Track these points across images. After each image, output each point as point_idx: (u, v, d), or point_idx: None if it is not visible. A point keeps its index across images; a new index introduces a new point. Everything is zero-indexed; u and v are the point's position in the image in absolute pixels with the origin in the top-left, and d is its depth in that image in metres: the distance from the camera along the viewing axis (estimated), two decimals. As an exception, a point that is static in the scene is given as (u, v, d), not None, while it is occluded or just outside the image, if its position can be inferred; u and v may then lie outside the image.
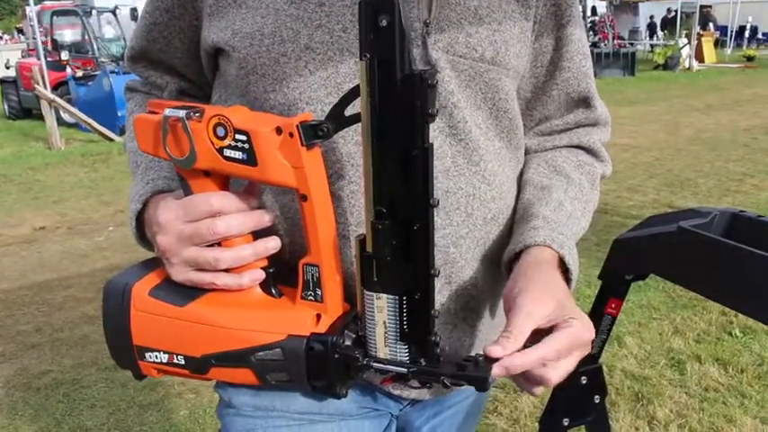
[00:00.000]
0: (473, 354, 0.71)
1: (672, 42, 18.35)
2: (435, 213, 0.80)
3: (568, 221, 0.86)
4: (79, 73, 11.05)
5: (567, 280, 0.80)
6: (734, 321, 3.25)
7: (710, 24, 21.18)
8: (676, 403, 2.64)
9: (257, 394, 0.87)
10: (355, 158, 0.78)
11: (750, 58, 18.59)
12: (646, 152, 7.37)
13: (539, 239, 0.80)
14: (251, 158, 0.69)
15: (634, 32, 22.16)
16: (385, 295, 0.68)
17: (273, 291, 0.78)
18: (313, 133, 0.68)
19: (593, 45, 16.30)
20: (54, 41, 11.92)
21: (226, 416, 0.91)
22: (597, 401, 1.01)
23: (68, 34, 12.32)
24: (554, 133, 0.97)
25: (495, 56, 0.81)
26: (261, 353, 0.74)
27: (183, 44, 0.90)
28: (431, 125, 0.63)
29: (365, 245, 0.68)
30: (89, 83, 10.47)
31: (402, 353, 0.70)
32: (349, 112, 0.68)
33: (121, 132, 8.80)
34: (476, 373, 0.67)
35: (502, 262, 0.84)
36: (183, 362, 0.78)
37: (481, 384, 0.67)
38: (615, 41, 17.86)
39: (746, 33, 23.38)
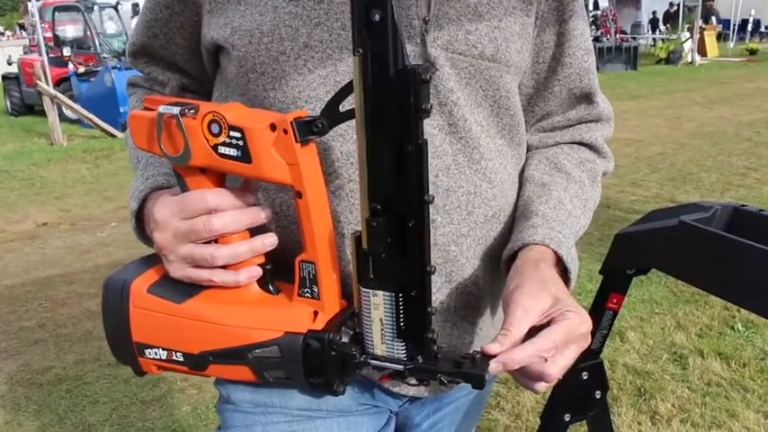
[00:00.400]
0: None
1: (674, 36, 18.27)
2: (436, 212, 0.79)
3: (568, 220, 0.85)
4: (81, 69, 11.03)
5: (566, 279, 0.80)
6: (736, 316, 3.24)
7: (713, 18, 21.07)
8: (679, 398, 2.64)
9: (256, 391, 0.87)
10: (354, 157, 0.78)
11: (753, 52, 18.52)
12: (648, 147, 7.35)
13: (537, 238, 0.80)
14: (245, 155, 0.69)
15: (636, 26, 22.04)
16: (381, 292, 0.68)
17: (271, 287, 0.78)
18: (308, 129, 0.67)
19: (596, 39, 16.23)
20: (56, 37, 11.91)
21: (225, 411, 0.91)
22: (599, 397, 1.01)
23: (70, 30, 12.29)
24: (556, 130, 0.96)
25: (495, 53, 0.81)
26: (258, 350, 0.74)
27: (184, 40, 0.89)
28: (431, 122, 0.62)
29: (361, 242, 0.68)
30: (91, 79, 10.47)
31: (399, 350, 0.70)
32: (345, 108, 0.67)
33: (123, 128, 8.80)
34: (472, 370, 0.67)
35: (501, 260, 0.84)
36: (181, 358, 0.78)
37: (478, 382, 0.67)
38: (617, 36, 17.77)
39: (749, 27, 23.31)
